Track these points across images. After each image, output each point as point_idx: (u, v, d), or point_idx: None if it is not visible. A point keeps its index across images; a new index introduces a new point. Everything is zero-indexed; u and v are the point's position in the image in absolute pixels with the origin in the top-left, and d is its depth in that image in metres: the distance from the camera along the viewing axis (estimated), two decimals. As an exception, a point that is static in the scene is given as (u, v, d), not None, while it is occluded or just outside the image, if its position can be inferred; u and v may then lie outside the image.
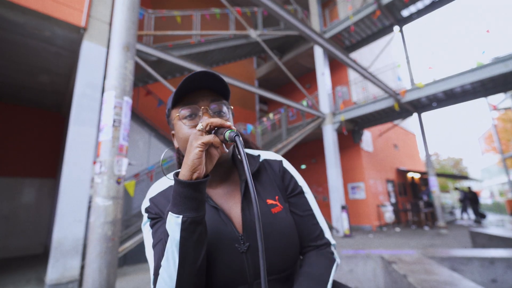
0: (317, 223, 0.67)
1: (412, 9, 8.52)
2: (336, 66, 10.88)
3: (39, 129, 6.89)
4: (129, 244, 3.94)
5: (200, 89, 0.61)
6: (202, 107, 0.59)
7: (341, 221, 7.30)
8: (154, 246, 0.58)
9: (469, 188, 10.88)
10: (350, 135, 9.91)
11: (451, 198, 20.22)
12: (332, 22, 10.53)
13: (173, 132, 0.66)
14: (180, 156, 0.74)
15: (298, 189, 0.69)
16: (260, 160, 0.71)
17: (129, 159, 6.08)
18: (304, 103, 8.36)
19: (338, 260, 0.64)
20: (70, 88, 5.36)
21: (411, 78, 8.15)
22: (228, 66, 10.25)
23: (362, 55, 11.23)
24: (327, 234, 0.67)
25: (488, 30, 6.48)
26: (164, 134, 6.81)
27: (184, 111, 0.59)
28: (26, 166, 6.59)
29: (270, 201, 0.63)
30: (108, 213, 1.65)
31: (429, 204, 9.50)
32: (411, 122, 14.35)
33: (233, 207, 0.63)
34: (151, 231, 0.61)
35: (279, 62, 7.73)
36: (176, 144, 0.68)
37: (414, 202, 9.35)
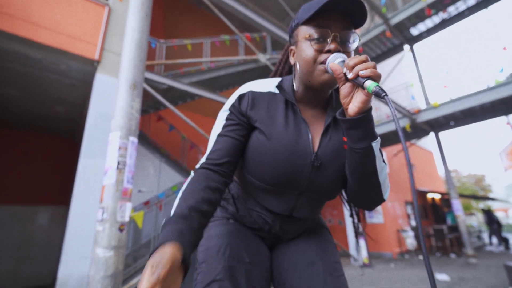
0: None
1: (422, 27, 8.46)
2: (347, 86, 10.82)
3: (53, 155, 7.02)
4: (137, 280, 3.76)
5: (335, 12, 0.59)
6: (333, 33, 0.58)
7: (359, 248, 6.88)
8: (217, 136, 0.66)
9: (488, 209, 10.18)
10: (364, 155, 9.62)
11: (477, 220, 18.98)
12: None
13: (292, 47, 0.69)
14: (284, 65, 0.85)
15: None
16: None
17: (139, 185, 6.03)
18: (315, 124, 8.22)
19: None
20: (84, 115, 5.47)
21: (425, 97, 7.92)
22: (238, 89, 10.35)
23: (372, 74, 11.16)
24: None
25: (505, 48, 6.29)
26: (175, 159, 6.78)
27: (314, 33, 0.60)
28: (40, 193, 6.65)
29: (344, 139, 0.63)
30: (109, 266, 1.52)
31: (454, 229, 8.88)
32: (428, 140, 13.88)
33: (315, 130, 0.68)
34: (224, 122, 0.67)
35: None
36: (292, 61, 0.70)
37: (437, 226, 8.77)
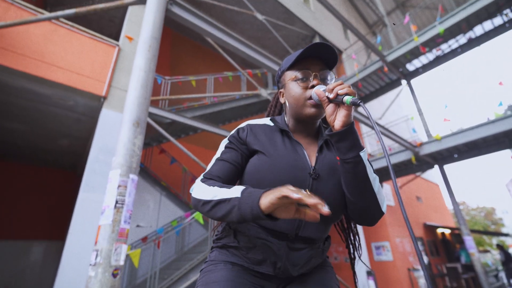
0: None
1: (417, 63, 8.81)
2: (347, 119, 10.98)
3: (53, 188, 6.94)
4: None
5: (312, 57, 0.74)
6: (314, 73, 0.72)
7: (369, 290, 6.42)
8: (216, 160, 0.73)
9: (503, 245, 9.63)
10: (368, 188, 9.40)
11: (492, 257, 17.95)
12: (339, 78, 10.99)
13: (281, 90, 0.82)
14: (275, 108, 0.93)
15: None
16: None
17: (137, 220, 5.85)
18: (318, 156, 8.19)
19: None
20: (87, 149, 5.51)
21: (426, 130, 7.97)
22: (240, 123, 10.54)
23: (372, 107, 11.37)
24: None
25: (501, 83, 6.46)
26: (176, 193, 6.66)
27: (298, 74, 0.73)
28: (36, 228, 6.45)
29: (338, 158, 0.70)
30: (98, 318, 1.39)
31: (469, 268, 8.35)
32: (433, 172, 13.68)
33: (310, 151, 0.76)
34: (222, 150, 0.75)
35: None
36: (282, 100, 0.82)
37: (450, 265, 8.26)
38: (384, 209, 0.69)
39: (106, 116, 3.99)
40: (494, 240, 21.85)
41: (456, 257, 10.09)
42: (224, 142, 0.77)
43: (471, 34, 7.52)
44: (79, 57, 4.01)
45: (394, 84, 9.57)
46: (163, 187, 6.19)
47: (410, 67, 8.90)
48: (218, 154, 0.75)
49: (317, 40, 10.29)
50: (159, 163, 7.28)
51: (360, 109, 10.37)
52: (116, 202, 1.71)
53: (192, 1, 7.41)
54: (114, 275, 1.55)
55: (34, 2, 5.42)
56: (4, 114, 4.51)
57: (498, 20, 7.15)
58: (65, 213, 6.87)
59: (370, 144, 10.19)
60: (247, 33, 9.90)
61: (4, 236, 6.00)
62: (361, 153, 0.62)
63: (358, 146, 0.62)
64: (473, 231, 10.01)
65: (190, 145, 6.94)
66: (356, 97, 0.58)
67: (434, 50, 8.07)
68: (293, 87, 0.74)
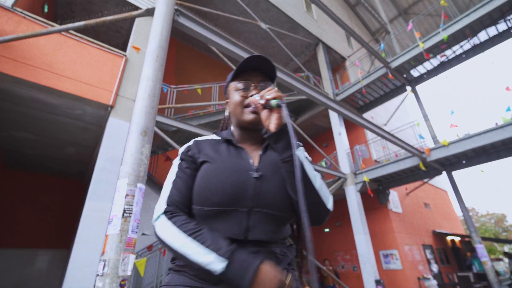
0: None
1: (421, 69, 8.79)
2: (353, 125, 10.93)
3: (59, 197, 6.99)
4: None
5: (254, 70, 0.80)
6: (253, 84, 0.78)
7: (378, 300, 6.26)
8: (173, 182, 0.73)
9: (506, 253, 9.32)
10: (375, 195, 9.28)
11: (504, 265, 17.42)
12: (343, 85, 11.00)
13: (227, 100, 0.86)
14: (228, 120, 0.93)
15: None
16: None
17: (143, 228, 5.84)
18: (323, 163, 8.13)
19: None
20: (93, 157, 5.56)
21: (432, 136, 7.89)
22: (245, 129, 10.55)
23: (377, 114, 11.32)
24: None
25: (508, 88, 6.40)
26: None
27: (239, 85, 0.79)
28: (41, 236, 6.48)
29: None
30: (105, 330, 1.38)
31: (481, 277, 8.10)
32: (440, 178, 13.46)
33: (255, 154, 0.77)
34: (176, 170, 0.76)
35: (294, 125, 7.85)
36: (226, 112, 0.90)
37: (461, 274, 8.04)
38: (330, 206, 0.69)
39: (113, 124, 4.03)
40: (506, 248, 21.24)
41: (468, 265, 9.81)
42: (176, 161, 0.78)
43: (475, 40, 7.50)
44: (87, 67, 4.09)
45: (399, 90, 9.54)
46: (168, 195, 6.19)
47: (415, 73, 8.88)
48: (173, 175, 0.75)
49: (320, 48, 10.36)
50: (164, 171, 7.30)
51: (368, 116, 10.33)
52: (124, 211, 1.70)
53: (198, 11, 7.55)
54: (121, 286, 1.53)
55: (44, 15, 5.58)
56: (14, 123, 4.59)
57: (502, 26, 7.13)
58: (71, 222, 6.90)
59: (376, 150, 10.11)
60: (252, 42, 10.02)
61: (10, 245, 6.03)
62: (297, 151, 0.64)
63: (293, 145, 0.65)
64: (483, 238, 9.75)
65: (195, 153, 6.95)
66: (281, 100, 0.64)
67: (438, 56, 8.05)
68: (235, 96, 0.79)
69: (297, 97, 9.24)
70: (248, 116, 0.75)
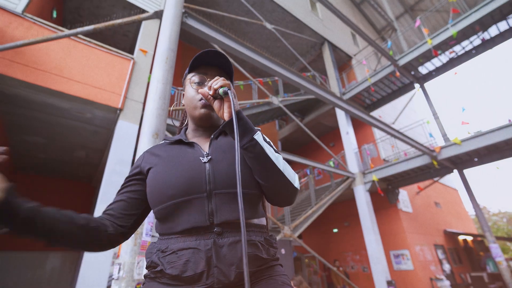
0: None
1: (430, 66, 8.64)
2: (360, 124, 10.82)
3: (69, 199, 7.07)
4: None
5: (211, 65, 0.79)
6: (209, 78, 0.77)
7: (390, 301, 6.15)
8: (116, 195, 0.74)
9: None
10: (384, 195, 9.15)
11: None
12: (350, 83, 10.90)
13: (183, 92, 0.84)
14: (184, 117, 0.91)
15: None
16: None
17: (153, 230, 5.85)
18: (331, 163, 8.06)
19: None
20: (103, 160, 5.60)
21: (443, 134, 7.74)
22: (251, 130, 10.54)
23: (384, 112, 11.18)
24: None
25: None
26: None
27: (195, 78, 0.78)
28: (53, 239, 6.55)
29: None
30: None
31: (496, 277, 7.91)
32: (450, 176, 13.22)
33: (205, 144, 0.76)
34: (122, 184, 0.75)
35: (301, 124, 7.80)
36: (182, 103, 0.85)
37: (475, 274, 7.86)
38: (296, 184, 0.69)
39: (122, 127, 4.05)
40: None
41: (482, 265, 9.60)
42: (129, 173, 0.78)
43: (485, 35, 7.34)
44: (96, 71, 4.13)
45: (407, 88, 9.40)
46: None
47: (423, 70, 8.74)
48: (121, 186, 0.76)
49: (326, 47, 10.29)
50: (172, 173, 7.32)
51: (375, 115, 10.21)
52: (138, 214, 1.70)
53: (204, 13, 7.57)
54: (137, 289, 1.52)
55: (54, 21, 5.66)
56: (26, 128, 4.66)
57: (513, 20, 6.97)
58: (81, 224, 6.96)
59: (384, 149, 9.98)
60: (257, 43, 10.01)
61: (21, 247, 6.11)
62: (255, 136, 0.64)
63: (249, 130, 0.65)
64: (496, 237, 9.53)
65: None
66: (227, 87, 0.64)
67: (447, 52, 7.91)
68: (189, 90, 0.78)
69: (303, 97, 9.19)
70: (200, 110, 0.74)
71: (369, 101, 10.18)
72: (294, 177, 0.69)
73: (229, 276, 0.59)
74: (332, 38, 10.64)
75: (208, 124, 0.78)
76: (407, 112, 12.35)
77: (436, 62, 8.43)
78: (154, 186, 0.67)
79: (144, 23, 5.23)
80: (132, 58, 4.59)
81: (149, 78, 4.54)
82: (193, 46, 10.26)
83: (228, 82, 0.65)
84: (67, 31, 3.08)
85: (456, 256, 10.28)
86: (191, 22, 3.04)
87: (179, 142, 0.77)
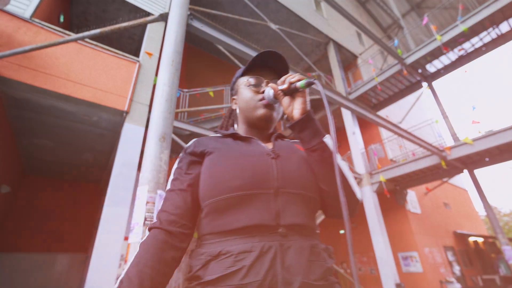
0: None
1: (438, 64, 8.49)
2: (366, 124, 10.68)
3: (76, 201, 7.13)
4: None
5: (266, 67, 0.76)
6: (266, 80, 0.74)
7: (399, 304, 6.04)
8: (169, 191, 0.66)
9: None
10: (392, 196, 9.02)
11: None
12: (355, 83, 10.78)
13: (234, 97, 0.81)
14: (229, 119, 0.87)
15: None
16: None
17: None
18: (337, 164, 7.96)
19: None
20: (110, 162, 5.64)
21: (452, 133, 7.59)
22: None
23: (391, 112, 11.04)
24: None
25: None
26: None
27: (251, 80, 0.74)
28: (61, 241, 6.62)
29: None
30: None
31: (509, 280, 7.72)
32: (459, 177, 12.97)
33: (265, 142, 0.73)
34: (173, 177, 0.68)
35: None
36: (233, 107, 0.82)
37: (487, 276, 7.68)
38: (359, 196, 0.65)
39: (128, 130, 4.07)
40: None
41: (495, 268, 9.37)
42: (175, 167, 0.70)
43: (496, 31, 7.18)
44: (103, 74, 4.15)
45: (415, 87, 9.25)
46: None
47: (431, 68, 8.59)
48: (169, 184, 0.68)
49: (331, 46, 10.21)
50: (178, 175, 7.33)
51: (382, 115, 10.09)
52: (145, 219, 1.68)
53: (208, 14, 7.57)
54: (144, 296, 1.51)
55: (61, 25, 5.73)
56: (35, 131, 4.71)
57: (525, 16, 6.79)
58: (88, 226, 7.03)
59: (392, 149, 9.84)
60: (262, 43, 9.98)
61: (29, 249, 6.19)
62: (324, 139, 0.62)
63: (320, 132, 0.63)
64: (509, 239, 9.30)
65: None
66: (312, 79, 0.59)
67: (456, 50, 7.76)
68: (245, 91, 0.74)
69: (308, 97, 9.13)
70: (261, 110, 0.70)
71: (375, 100, 10.05)
72: (357, 189, 0.65)
73: (293, 285, 0.51)
74: (337, 38, 10.55)
75: (267, 126, 0.75)
76: (415, 111, 12.17)
77: (445, 60, 8.27)
78: (214, 177, 0.61)
79: (149, 26, 5.25)
80: (138, 61, 4.61)
81: (155, 81, 4.56)
82: (198, 47, 10.29)
83: (304, 77, 0.62)
84: (74, 35, 3.10)
85: (466, 258, 10.07)
86: (196, 24, 3.02)
87: (234, 137, 0.72)
